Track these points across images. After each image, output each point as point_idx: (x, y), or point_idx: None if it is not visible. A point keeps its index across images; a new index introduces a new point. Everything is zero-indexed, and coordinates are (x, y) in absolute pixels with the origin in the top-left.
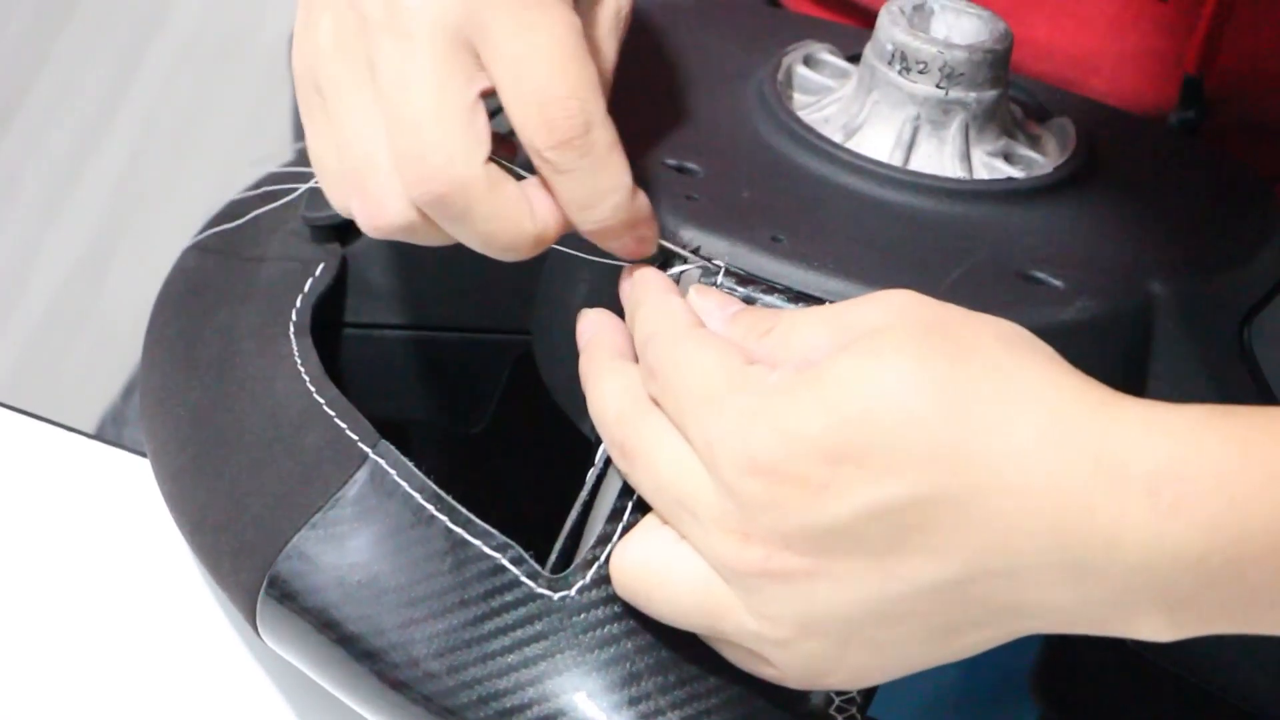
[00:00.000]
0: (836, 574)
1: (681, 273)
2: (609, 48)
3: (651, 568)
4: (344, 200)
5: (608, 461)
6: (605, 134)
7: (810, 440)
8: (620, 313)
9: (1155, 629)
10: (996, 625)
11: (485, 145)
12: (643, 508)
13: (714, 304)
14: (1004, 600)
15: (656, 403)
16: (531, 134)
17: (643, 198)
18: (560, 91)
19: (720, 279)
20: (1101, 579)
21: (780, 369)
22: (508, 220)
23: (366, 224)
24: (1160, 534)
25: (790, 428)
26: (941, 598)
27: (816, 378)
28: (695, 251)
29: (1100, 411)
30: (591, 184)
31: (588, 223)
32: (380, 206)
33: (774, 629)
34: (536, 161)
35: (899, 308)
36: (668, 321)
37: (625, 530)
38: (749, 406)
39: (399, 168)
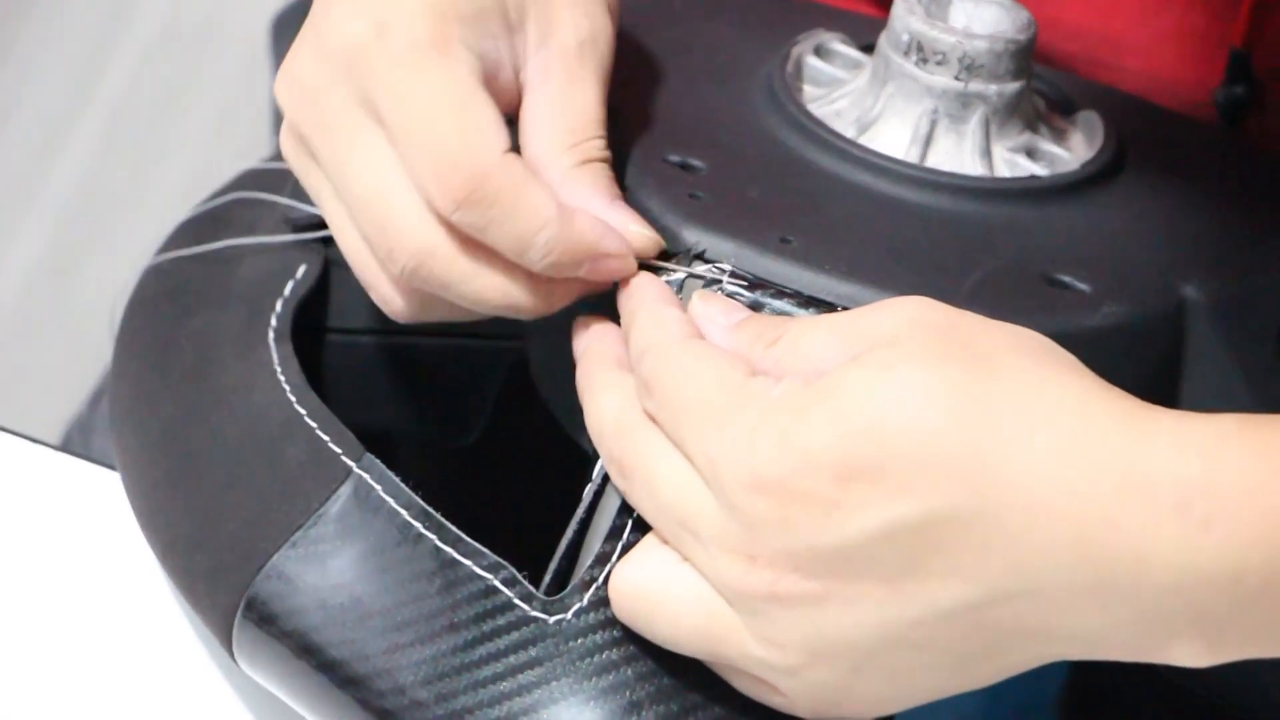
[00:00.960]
0: (848, 598)
1: (686, 278)
2: (569, 78)
3: (652, 590)
4: (364, 258)
5: (606, 477)
6: (506, 177)
7: (819, 455)
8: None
9: (1190, 654)
10: (1020, 651)
11: (504, 134)
12: (643, 526)
13: (718, 311)
14: (1027, 624)
15: (653, 419)
16: (435, 200)
17: (583, 223)
18: (449, 147)
19: (726, 283)
20: (1131, 601)
21: (786, 381)
22: (540, 212)
23: (388, 258)
24: (1192, 552)
25: (798, 442)
26: (960, 622)
27: (825, 390)
28: (700, 256)
29: (1126, 423)
30: (512, 229)
31: (534, 266)
32: (401, 234)
33: (781, 656)
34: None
35: (913, 316)
36: (662, 333)
37: (625, 550)
38: (752, 421)
39: (422, 183)
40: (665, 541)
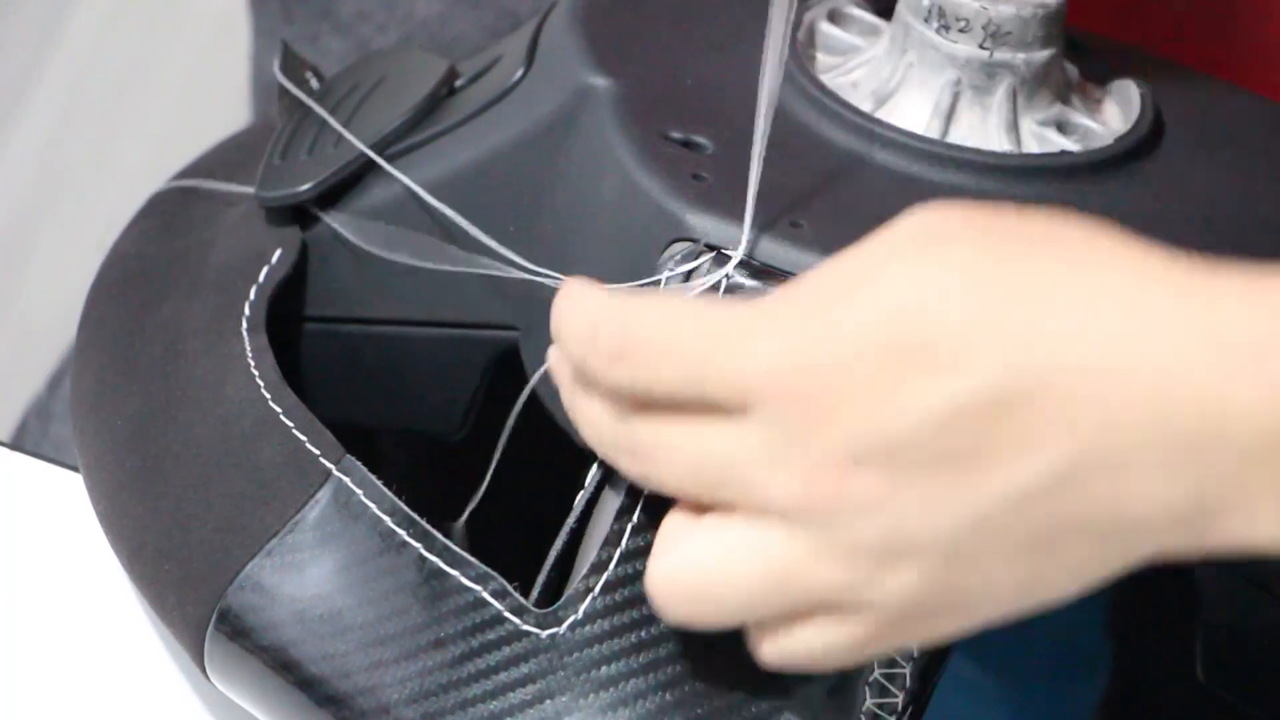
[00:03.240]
0: (920, 488)
1: (692, 270)
2: None
3: (705, 565)
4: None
5: (599, 483)
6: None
7: (864, 339)
8: None
9: (1272, 523)
10: (1102, 540)
11: None
12: (642, 530)
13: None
14: (1109, 501)
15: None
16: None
17: None
18: None
19: (732, 271)
20: (1214, 464)
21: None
22: None
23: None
24: (1272, 408)
25: (840, 327)
26: (1037, 506)
27: (860, 274)
28: (710, 247)
29: (1193, 279)
30: None
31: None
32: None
33: (857, 567)
34: None
35: (942, 210)
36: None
37: (624, 556)
38: (780, 326)
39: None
40: (696, 514)
